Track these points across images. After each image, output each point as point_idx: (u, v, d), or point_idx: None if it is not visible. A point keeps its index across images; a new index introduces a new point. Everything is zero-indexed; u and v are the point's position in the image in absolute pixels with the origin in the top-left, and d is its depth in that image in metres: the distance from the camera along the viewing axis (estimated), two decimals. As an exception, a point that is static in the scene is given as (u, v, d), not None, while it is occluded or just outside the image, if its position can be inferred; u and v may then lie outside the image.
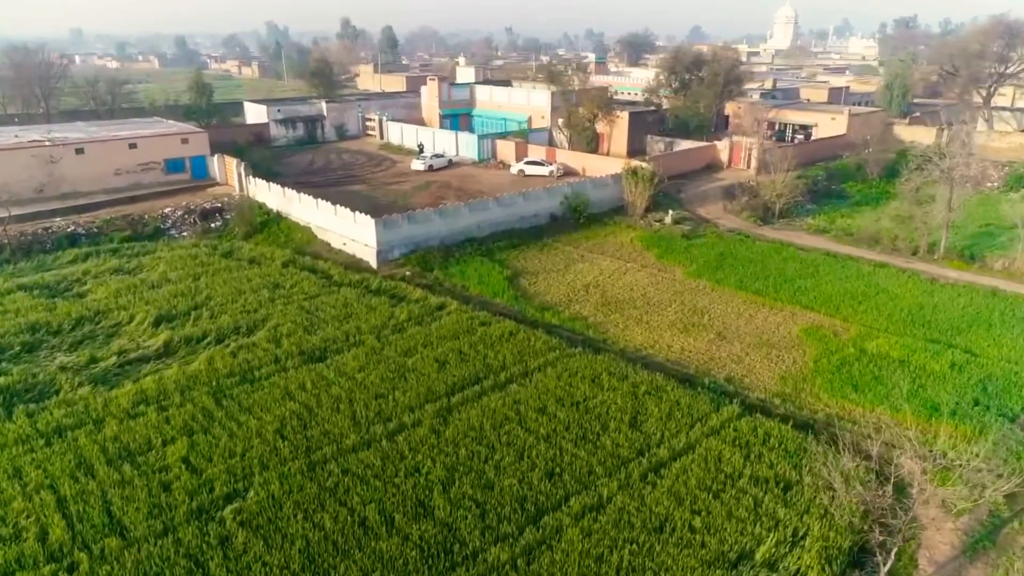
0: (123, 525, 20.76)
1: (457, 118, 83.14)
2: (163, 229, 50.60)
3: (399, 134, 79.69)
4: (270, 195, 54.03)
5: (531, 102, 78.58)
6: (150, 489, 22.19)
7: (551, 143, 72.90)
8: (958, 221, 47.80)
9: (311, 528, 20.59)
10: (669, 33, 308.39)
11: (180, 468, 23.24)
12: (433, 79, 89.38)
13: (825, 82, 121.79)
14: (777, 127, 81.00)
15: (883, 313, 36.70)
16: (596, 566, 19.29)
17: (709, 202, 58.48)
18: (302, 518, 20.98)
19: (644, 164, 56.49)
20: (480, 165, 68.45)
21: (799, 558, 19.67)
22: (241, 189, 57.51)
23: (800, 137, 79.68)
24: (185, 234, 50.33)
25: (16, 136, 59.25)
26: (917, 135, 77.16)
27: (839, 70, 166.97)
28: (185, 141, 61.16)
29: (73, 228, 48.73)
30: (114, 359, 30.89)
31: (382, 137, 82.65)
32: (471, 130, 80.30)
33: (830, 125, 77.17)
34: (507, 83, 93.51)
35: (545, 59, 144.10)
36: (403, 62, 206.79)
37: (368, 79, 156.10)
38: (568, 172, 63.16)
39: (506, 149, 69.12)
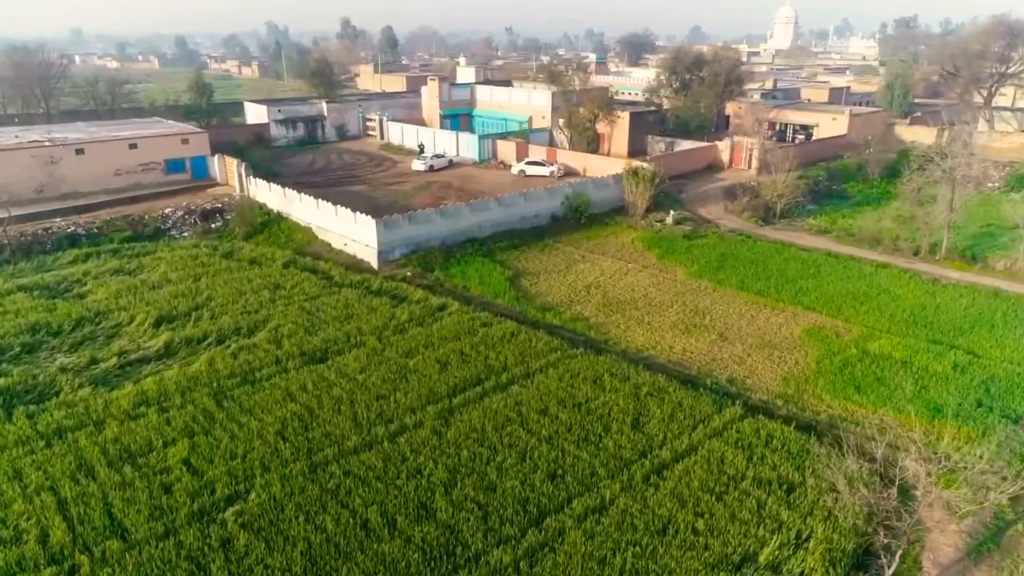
0: (124, 527, 20.67)
1: (457, 118, 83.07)
2: (163, 229, 50.52)
3: (400, 134, 79.62)
4: (271, 195, 53.96)
5: (532, 102, 78.51)
6: (151, 491, 22.11)
7: (552, 143, 72.81)
8: (959, 221, 47.75)
9: (313, 530, 20.51)
10: (669, 33, 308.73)
11: (181, 470, 23.16)
12: (433, 79, 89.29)
13: (826, 82, 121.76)
14: (778, 127, 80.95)
15: (885, 314, 36.63)
16: (599, 568, 19.21)
17: (710, 202, 58.41)
18: (304, 520, 20.91)
19: (645, 164, 56.43)
20: (481, 165, 68.38)
21: (803, 560, 19.59)
22: (241, 189, 57.44)
23: (801, 137, 79.62)
24: (185, 234, 50.25)
25: (16, 136, 59.18)
26: (918, 135, 77.12)
27: (839, 70, 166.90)
28: (185, 141, 61.08)
29: (73, 228, 48.64)
30: (114, 360, 30.81)
31: (383, 137, 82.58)
32: (472, 130, 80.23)
33: (831, 125, 77.12)
34: (507, 83, 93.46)
35: (545, 59, 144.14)
36: (403, 62, 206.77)
37: (368, 79, 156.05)
38: (569, 172, 63.08)
39: (507, 149, 69.04)
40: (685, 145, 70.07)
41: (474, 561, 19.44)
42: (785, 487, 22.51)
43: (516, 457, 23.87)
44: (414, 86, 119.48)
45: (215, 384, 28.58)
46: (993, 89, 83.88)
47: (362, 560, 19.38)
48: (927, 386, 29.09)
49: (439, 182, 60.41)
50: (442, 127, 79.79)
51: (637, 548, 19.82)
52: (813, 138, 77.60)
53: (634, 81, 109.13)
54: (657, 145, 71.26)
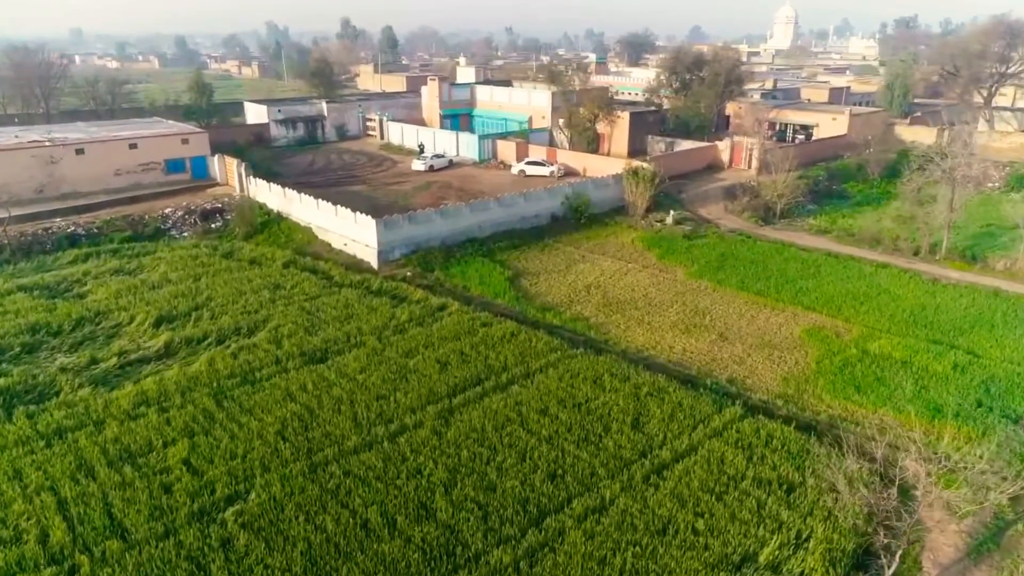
0: (124, 527, 20.67)
1: (457, 118, 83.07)
2: (163, 229, 50.52)
3: (399, 134, 79.62)
4: (271, 195, 53.96)
5: (532, 102, 78.51)
6: (151, 491, 22.11)
7: (552, 143, 72.81)
8: (959, 221, 47.76)
9: (313, 530, 20.51)
10: (669, 33, 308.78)
11: (181, 470, 23.15)
12: (433, 79, 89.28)
13: (826, 82, 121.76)
14: (778, 127, 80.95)
15: (885, 314, 36.63)
16: (599, 569, 19.21)
17: (710, 202, 58.41)
18: (304, 520, 20.90)
19: (645, 164, 56.43)
20: (481, 165, 68.38)
21: (803, 560, 19.59)
22: (241, 189, 57.44)
23: (801, 137, 79.62)
24: (185, 234, 50.25)
25: (16, 136, 59.17)
26: (918, 135, 77.12)
27: (839, 70, 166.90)
28: (185, 141, 61.09)
29: (73, 228, 48.64)
30: (114, 360, 30.81)
31: (382, 137, 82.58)
32: (472, 130, 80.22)
33: (831, 125, 77.13)
34: (507, 83, 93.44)
35: (545, 59, 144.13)
36: (403, 62, 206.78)
37: (368, 79, 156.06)
38: (569, 172, 63.09)
39: (507, 149, 69.04)
40: (685, 145, 70.08)
41: (474, 561, 19.44)
42: (785, 487, 22.52)
43: (516, 457, 23.87)
44: (414, 86, 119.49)
45: (215, 384, 28.57)
46: (993, 89, 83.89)
47: (362, 560, 19.38)
48: (927, 386, 29.09)
49: (439, 182, 60.41)
50: (442, 127, 79.79)
51: (637, 548, 19.82)
52: (813, 138, 77.61)
53: (634, 81, 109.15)
54: (657, 145, 71.26)
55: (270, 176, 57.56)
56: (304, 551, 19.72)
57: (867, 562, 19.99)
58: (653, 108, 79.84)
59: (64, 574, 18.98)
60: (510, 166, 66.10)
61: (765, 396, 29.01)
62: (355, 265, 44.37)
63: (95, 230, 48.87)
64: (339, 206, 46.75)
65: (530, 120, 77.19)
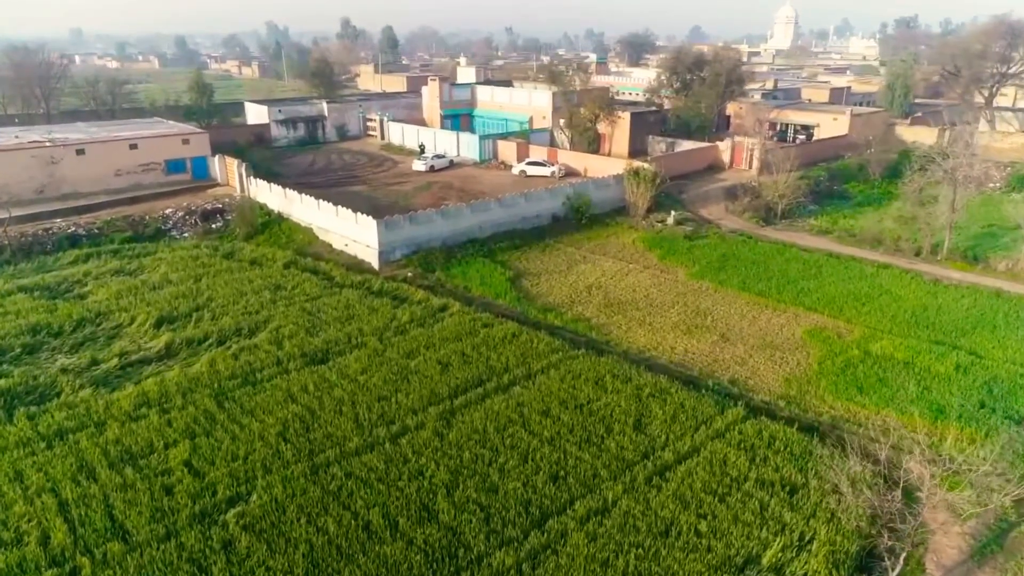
0: (125, 529, 20.62)
1: (458, 118, 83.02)
2: (164, 230, 50.48)
3: (400, 135, 79.57)
4: (271, 196, 53.91)
5: (532, 102, 78.46)
6: (152, 493, 22.05)
7: (552, 144, 72.76)
8: (961, 222, 47.70)
9: (315, 532, 20.46)
10: (669, 33, 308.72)
11: (182, 471, 23.10)
12: (434, 79, 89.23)
13: (826, 82, 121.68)
14: (779, 127, 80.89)
15: (887, 314, 36.58)
16: (601, 571, 19.16)
17: (711, 203, 58.35)
18: (305, 522, 20.85)
19: (646, 165, 56.39)
20: (481, 166, 68.33)
21: (806, 563, 19.54)
22: (242, 190, 57.39)
23: (802, 137, 79.56)
24: (186, 235, 50.20)
25: (16, 137, 59.12)
26: (919, 135, 77.05)
27: (840, 70, 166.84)
28: (186, 142, 61.03)
29: (74, 229, 48.59)
30: (115, 361, 30.76)
31: (383, 138, 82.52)
32: (472, 130, 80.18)
33: (832, 125, 77.08)
34: (508, 83, 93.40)
35: (545, 59, 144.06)
36: (403, 62, 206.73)
37: (368, 79, 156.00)
38: (570, 173, 63.03)
39: (507, 150, 68.99)
40: (686, 145, 70.03)
41: (476, 563, 19.39)
42: (788, 489, 22.47)
43: (518, 458, 23.82)
44: (414, 86, 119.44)
45: (216, 385, 28.52)
46: (994, 89, 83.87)
47: (364, 562, 19.33)
48: (929, 387, 29.04)
49: (440, 182, 60.36)
50: (443, 127, 79.73)
51: (640, 550, 19.77)
52: (814, 138, 77.54)
53: (635, 81, 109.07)
54: (658, 145, 71.21)
55: (271, 176, 57.51)
56: (306, 553, 19.67)
57: (870, 564, 19.94)
58: (654, 108, 79.79)
59: (65, 576, 18.94)
60: (511, 166, 66.04)
61: (767, 397, 28.95)
62: (356, 266, 44.31)
63: (96, 230, 48.83)
64: (340, 206, 46.69)
65: (531, 120, 77.15)
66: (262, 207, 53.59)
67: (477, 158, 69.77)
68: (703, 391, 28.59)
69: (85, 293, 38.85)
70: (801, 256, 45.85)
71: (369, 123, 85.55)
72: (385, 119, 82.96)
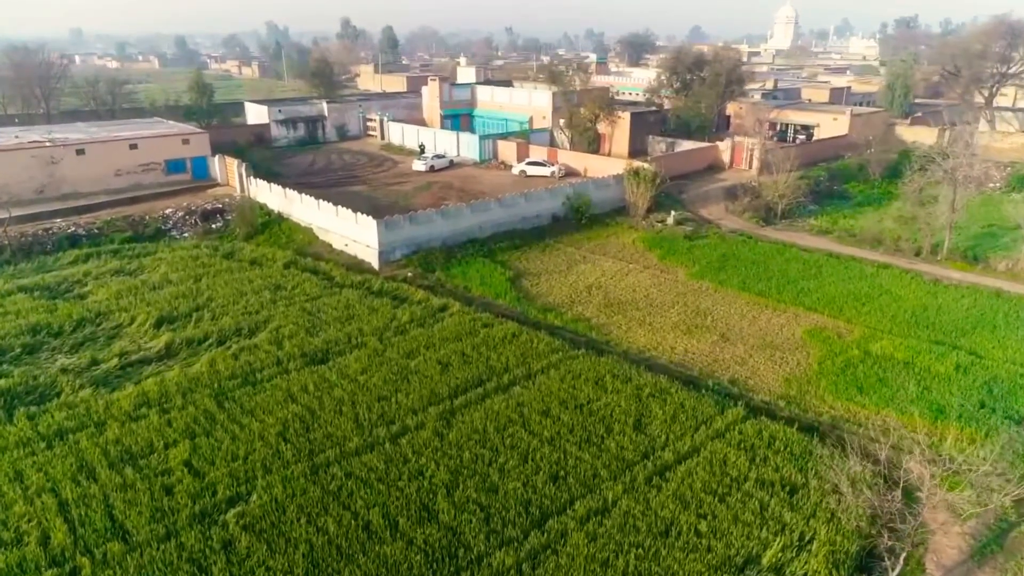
0: (125, 529, 20.62)
1: (458, 118, 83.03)
2: (164, 230, 50.48)
3: (400, 135, 79.57)
4: (271, 196, 53.91)
5: (532, 102, 78.46)
6: (152, 493, 22.05)
7: (552, 144, 72.76)
8: (961, 222, 47.71)
9: (315, 532, 20.46)
10: (669, 33, 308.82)
11: (182, 471, 23.10)
12: (434, 79, 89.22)
13: (826, 82, 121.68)
14: (779, 127, 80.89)
15: (887, 314, 36.58)
16: (601, 571, 19.16)
17: (711, 203, 58.35)
18: (305, 522, 20.85)
19: (646, 165, 56.38)
20: (481, 166, 68.34)
21: (806, 563, 19.54)
22: (242, 190, 57.39)
23: (802, 137, 79.56)
24: (186, 235, 50.20)
25: (16, 137, 59.12)
26: (919, 135, 77.05)
27: (840, 70, 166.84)
28: (186, 142, 61.03)
29: (74, 229, 48.59)
30: (115, 361, 30.76)
31: (383, 138, 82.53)
32: (472, 130, 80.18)
33: (832, 125, 77.09)
34: (508, 83, 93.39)
35: (545, 59, 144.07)
36: (403, 62, 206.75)
37: (368, 79, 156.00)
38: (570, 173, 63.04)
39: (507, 150, 68.99)
40: (686, 145, 70.03)
41: (476, 563, 19.39)
42: (788, 489, 22.47)
43: (518, 458, 23.82)
44: (414, 86, 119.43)
45: (216, 385, 28.51)
46: (994, 89, 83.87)
47: (364, 562, 19.33)
48: (929, 387, 29.04)
49: (440, 182, 60.36)
50: (443, 127, 79.73)
51: (640, 550, 19.77)
52: (814, 138, 77.55)
53: (635, 81, 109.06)
54: (658, 145, 71.22)
55: (271, 176, 57.51)
56: (306, 553, 19.67)
57: (870, 564, 19.94)
58: (654, 108, 79.79)
59: (65, 576, 18.94)
60: (511, 166, 66.04)
61: (767, 397, 28.96)
62: (356, 266, 44.31)
63: (96, 230, 48.83)
64: (340, 206, 46.69)
65: (531, 120, 77.15)
66: (262, 207, 53.59)
67: (477, 158, 69.77)
68: (703, 391, 28.59)
69: (85, 293, 38.85)
70: (801, 256, 45.85)
71: (369, 123, 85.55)
72: (385, 119, 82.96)
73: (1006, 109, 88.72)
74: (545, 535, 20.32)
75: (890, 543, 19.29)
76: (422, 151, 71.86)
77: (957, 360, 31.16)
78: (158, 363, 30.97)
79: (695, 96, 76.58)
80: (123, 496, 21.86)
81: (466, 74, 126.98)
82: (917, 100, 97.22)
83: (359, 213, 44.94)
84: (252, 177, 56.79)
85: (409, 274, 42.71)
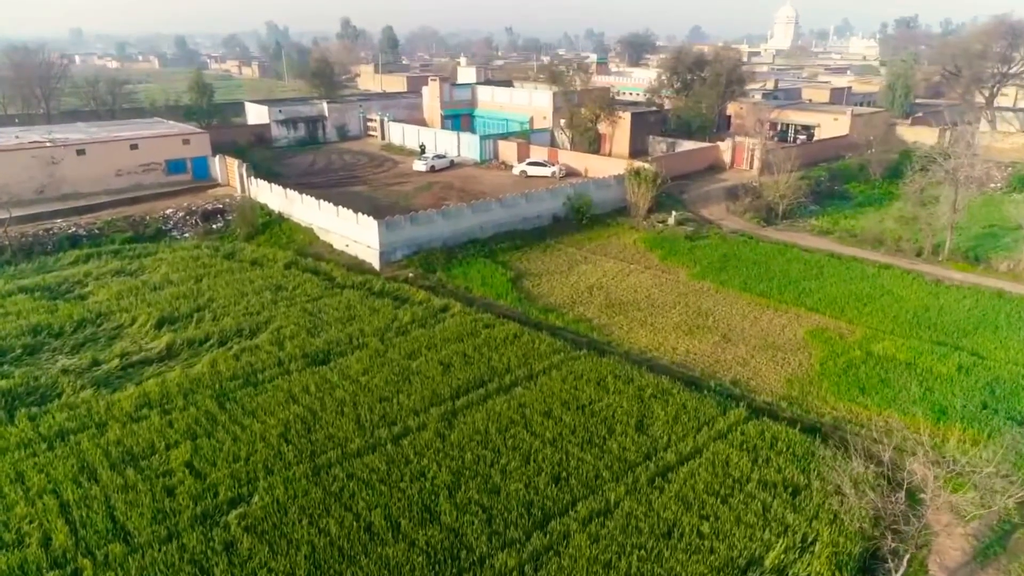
0: (127, 530, 20.57)
1: (459, 119, 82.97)
2: (165, 230, 50.44)
3: (400, 135, 79.53)
4: (272, 196, 53.87)
5: (533, 102, 78.41)
6: (154, 494, 22.00)
7: (553, 144, 72.71)
8: (962, 222, 47.68)
9: (316, 533, 20.41)
10: (669, 33, 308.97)
11: (184, 472, 23.06)
12: (434, 79, 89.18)
13: (827, 82, 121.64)
14: (779, 127, 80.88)
15: (888, 315, 36.54)
16: (604, 572, 19.12)
17: (712, 203, 58.32)
18: (307, 523, 20.80)
19: (647, 165, 56.34)
20: (482, 166, 68.30)
21: (809, 564, 19.49)
22: (243, 190, 57.35)
23: (803, 138, 79.55)
24: (187, 235, 50.16)
25: (17, 137, 59.09)
26: (920, 135, 77.04)
27: (840, 70, 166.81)
28: (186, 142, 61.00)
29: (74, 229, 48.55)
30: (116, 362, 30.71)
31: (383, 138, 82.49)
32: (473, 131, 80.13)
33: (833, 125, 77.07)
34: (508, 83, 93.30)
35: (546, 59, 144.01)
36: (403, 62, 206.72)
37: (369, 79, 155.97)
38: (570, 173, 63.00)
39: (508, 150, 68.95)
40: (687, 145, 69.99)
41: (478, 565, 19.34)
42: (791, 490, 22.43)
43: (520, 460, 23.78)
44: (415, 86, 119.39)
45: (217, 386, 28.46)
46: (995, 89, 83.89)
47: (366, 563, 19.29)
48: (932, 388, 29.00)
49: (440, 183, 60.32)
50: (443, 127, 79.67)
51: (642, 551, 19.73)
52: (815, 138, 77.53)
53: (635, 81, 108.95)
54: (659, 145, 71.18)
55: (271, 177, 57.47)
56: (308, 554, 19.62)
57: (874, 566, 19.90)
58: (654, 108, 79.72)
59: (67, 578, 18.89)
60: (511, 167, 66.00)
61: (769, 398, 28.92)
62: (357, 266, 44.27)
63: (96, 231, 48.78)
64: (340, 207, 46.65)
65: (531, 120, 77.10)
66: (263, 207, 53.55)
67: (478, 158, 69.74)
68: (705, 392, 28.54)
69: (86, 294, 38.80)
70: (802, 256, 45.82)
71: (369, 123, 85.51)
72: (385, 119, 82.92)
73: (1007, 109, 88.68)
74: (547, 536, 20.27)
75: (893, 545, 19.23)
76: (422, 151, 71.83)
77: (959, 361, 31.12)
78: (159, 364, 30.92)
79: (696, 96, 76.53)
80: (124, 497, 21.81)
81: (466, 74, 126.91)
82: (918, 100, 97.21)
83: (360, 213, 44.90)
84: (252, 177, 56.75)
85: (410, 274, 42.67)
